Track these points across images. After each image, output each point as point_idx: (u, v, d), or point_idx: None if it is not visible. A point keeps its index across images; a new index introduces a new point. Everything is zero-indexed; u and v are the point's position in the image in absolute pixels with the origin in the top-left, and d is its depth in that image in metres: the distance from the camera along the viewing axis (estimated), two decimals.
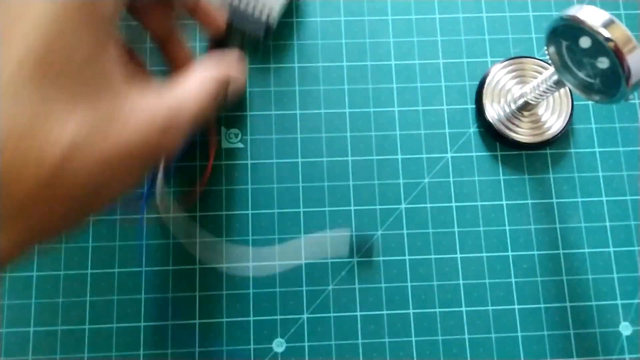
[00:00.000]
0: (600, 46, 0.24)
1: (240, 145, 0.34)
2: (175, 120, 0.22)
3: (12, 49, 0.19)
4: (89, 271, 0.32)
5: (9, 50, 0.19)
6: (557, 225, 0.33)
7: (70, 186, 0.19)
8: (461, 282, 0.32)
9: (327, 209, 0.33)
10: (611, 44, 0.23)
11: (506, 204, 0.34)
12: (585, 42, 0.25)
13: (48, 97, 0.18)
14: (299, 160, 0.33)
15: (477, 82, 0.35)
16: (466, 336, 0.32)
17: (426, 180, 0.34)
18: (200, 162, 0.33)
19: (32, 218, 0.18)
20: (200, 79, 0.25)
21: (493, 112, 0.34)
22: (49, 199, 0.18)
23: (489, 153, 0.34)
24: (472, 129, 0.35)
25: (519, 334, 0.32)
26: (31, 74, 0.18)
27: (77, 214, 0.20)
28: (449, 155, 0.34)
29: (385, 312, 0.32)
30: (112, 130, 0.20)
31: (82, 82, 0.19)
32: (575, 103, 0.34)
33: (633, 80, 0.23)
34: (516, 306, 0.32)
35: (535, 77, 0.33)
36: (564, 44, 0.26)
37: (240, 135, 0.34)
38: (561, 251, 0.33)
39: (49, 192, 0.18)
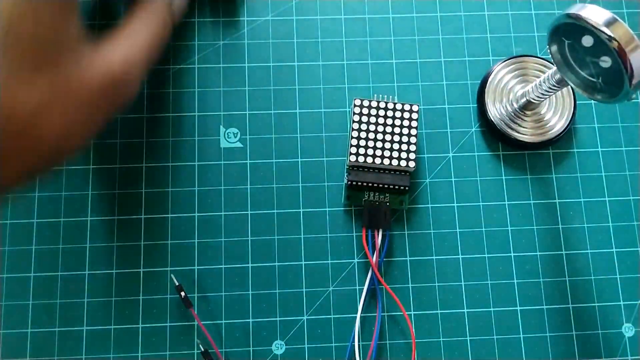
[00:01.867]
0: (602, 45, 0.23)
1: (239, 144, 0.34)
2: (129, 66, 0.25)
3: None
4: (87, 272, 0.31)
5: None
6: (560, 226, 0.33)
7: (39, 137, 0.22)
8: (463, 283, 0.32)
9: (327, 209, 0.33)
10: (614, 43, 0.23)
11: (508, 204, 0.33)
12: (587, 40, 0.24)
13: (15, 67, 0.21)
14: (299, 160, 0.33)
15: (479, 81, 0.35)
16: (468, 338, 0.31)
17: (427, 180, 0.34)
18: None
19: (5, 166, 0.21)
20: (145, 19, 0.28)
21: (495, 111, 0.34)
22: (20, 149, 0.21)
23: (491, 153, 0.34)
24: (474, 129, 0.34)
25: (521, 335, 0.32)
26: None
27: (48, 160, 0.23)
28: (450, 155, 0.34)
29: (386, 313, 0.32)
30: (73, 87, 0.23)
31: (47, 49, 0.22)
32: (577, 102, 0.34)
33: (636, 79, 0.23)
34: (518, 307, 0.32)
35: (538, 76, 0.33)
36: (567, 42, 0.26)
37: (239, 134, 0.34)
38: (564, 252, 0.33)
39: (20, 143, 0.21)
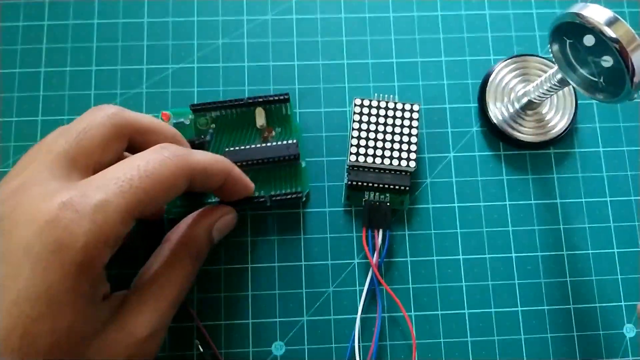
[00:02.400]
0: (604, 44, 0.23)
1: None
2: (155, 334, 0.24)
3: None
4: None
5: None
6: (561, 226, 0.33)
7: None
8: (463, 283, 0.32)
9: (327, 209, 0.33)
10: (615, 43, 0.23)
11: (509, 204, 0.33)
12: (589, 40, 0.24)
13: None
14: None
15: (480, 81, 0.35)
16: (468, 338, 0.31)
17: (428, 180, 0.33)
18: None
19: None
20: (175, 268, 0.26)
21: (496, 111, 0.34)
22: None
23: (492, 152, 0.34)
24: (475, 128, 0.34)
25: (522, 336, 0.32)
26: (14, 346, 0.19)
27: None
28: (451, 154, 0.34)
29: (386, 314, 0.31)
30: None
31: (65, 349, 0.20)
32: (579, 102, 0.34)
33: (637, 78, 0.23)
34: (519, 308, 0.32)
35: (539, 76, 0.33)
36: (568, 42, 0.26)
37: None
38: (565, 252, 0.33)
39: None
